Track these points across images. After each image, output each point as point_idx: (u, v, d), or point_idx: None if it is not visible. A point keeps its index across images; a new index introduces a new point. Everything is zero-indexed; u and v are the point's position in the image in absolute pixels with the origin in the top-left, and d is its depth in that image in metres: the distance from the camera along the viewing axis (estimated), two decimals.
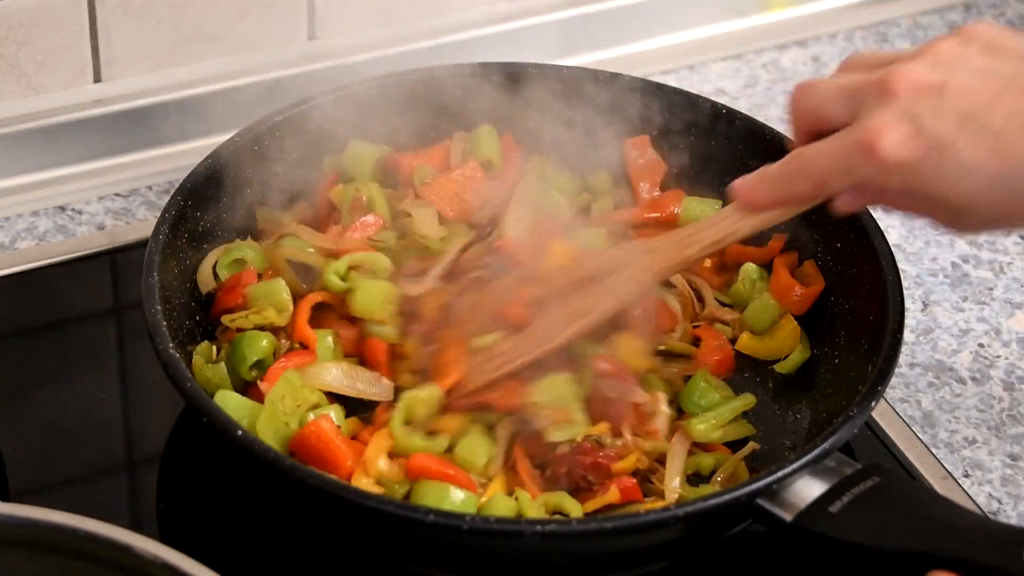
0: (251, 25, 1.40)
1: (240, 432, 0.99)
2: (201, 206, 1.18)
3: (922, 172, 0.95)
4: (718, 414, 1.11)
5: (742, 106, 1.51)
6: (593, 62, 1.51)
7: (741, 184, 1.06)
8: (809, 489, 0.98)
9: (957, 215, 0.98)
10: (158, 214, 1.33)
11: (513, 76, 1.29)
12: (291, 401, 1.07)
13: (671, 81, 1.53)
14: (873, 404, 1.03)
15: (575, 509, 1.04)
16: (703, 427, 1.10)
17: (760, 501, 0.98)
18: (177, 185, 1.17)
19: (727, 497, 0.97)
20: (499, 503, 1.03)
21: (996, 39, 0.97)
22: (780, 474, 0.98)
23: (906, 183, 0.96)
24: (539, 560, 1.01)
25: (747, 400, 1.13)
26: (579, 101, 1.28)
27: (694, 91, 1.31)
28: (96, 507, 1.06)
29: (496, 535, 0.96)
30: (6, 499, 1.09)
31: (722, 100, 1.50)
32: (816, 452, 0.99)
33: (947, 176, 0.95)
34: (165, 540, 0.88)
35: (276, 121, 1.24)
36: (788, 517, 0.97)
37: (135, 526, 1.02)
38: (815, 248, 1.21)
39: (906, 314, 1.10)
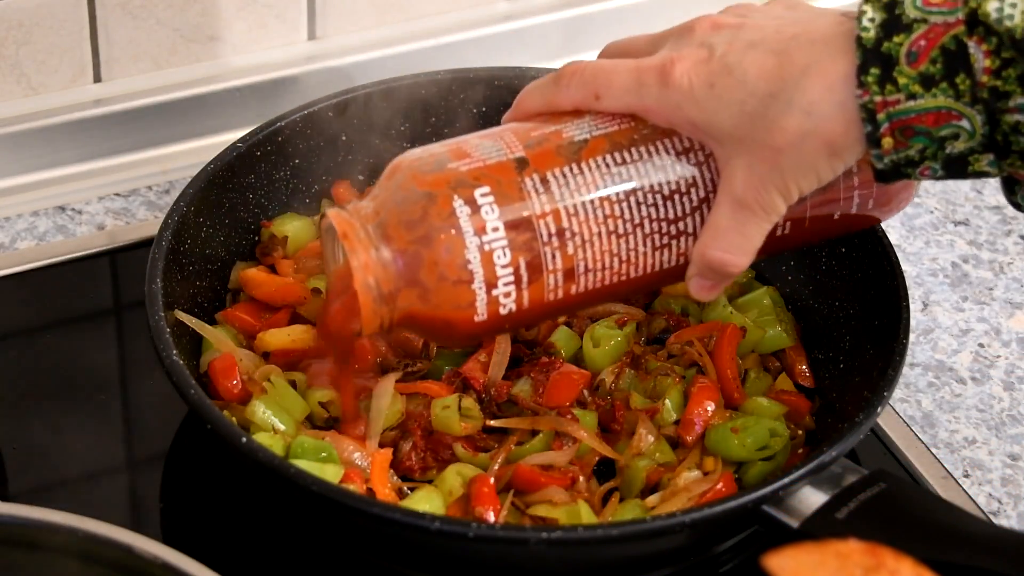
0: (251, 25, 1.40)
1: (244, 439, 0.99)
2: (205, 210, 1.18)
3: (705, 101, 0.95)
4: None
5: None
6: None
7: (518, 97, 1.04)
8: (815, 496, 0.98)
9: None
10: (158, 214, 1.34)
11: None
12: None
13: None
14: (879, 410, 1.03)
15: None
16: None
17: (766, 508, 0.98)
18: (179, 186, 1.17)
19: (733, 504, 0.97)
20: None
21: (795, 2, 1.00)
22: (786, 480, 0.98)
23: (685, 112, 0.96)
24: (545, 567, 1.01)
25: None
26: None
27: None
28: (96, 507, 1.06)
29: (501, 542, 0.96)
30: (6, 499, 1.09)
31: None
32: (822, 459, 0.99)
33: (723, 103, 0.95)
34: (166, 540, 0.88)
35: (280, 125, 1.24)
36: (794, 524, 0.97)
37: (136, 526, 1.02)
38: (820, 253, 1.20)
39: None
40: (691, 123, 0.97)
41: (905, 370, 1.24)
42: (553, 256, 0.97)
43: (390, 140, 1.29)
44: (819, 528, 0.96)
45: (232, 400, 1.10)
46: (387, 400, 1.10)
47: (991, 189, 1.44)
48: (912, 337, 1.26)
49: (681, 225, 0.99)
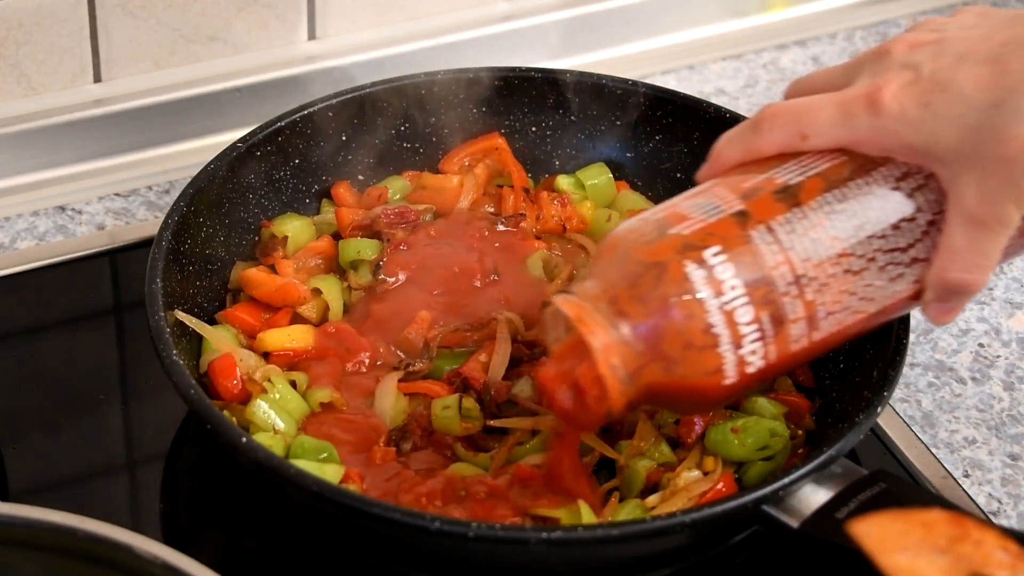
0: (251, 25, 1.40)
1: (244, 439, 0.99)
2: (205, 210, 1.18)
3: (921, 122, 0.94)
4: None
5: (742, 106, 1.51)
6: (593, 63, 1.52)
7: (712, 150, 1.02)
8: (815, 495, 0.98)
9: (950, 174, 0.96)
10: (158, 214, 1.34)
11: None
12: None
13: (671, 81, 1.53)
14: (879, 410, 1.03)
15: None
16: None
17: (766, 508, 0.98)
18: (179, 187, 1.17)
19: (733, 504, 0.97)
20: None
21: (986, 10, 0.98)
22: (786, 480, 0.98)
23: (901, 137, 0.95)
24: (545, 567, 1.01)
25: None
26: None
27: (694, 92, 1.31)
28: (96, 507, 1.06)
29: (501, 542, 0.96)
30: (6, 499, 1.09)
31: (722, 100, 1.50)
32: (822, 458, 0.99)
33: (943, 121, 0.93)
34: (167, 540, 0.88)
35: (280, 126, 1.24)
36: (794, 524, 0.97)
37: (136, 526, 1.02)
38: None
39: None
40: (908, 147, 0.95)
41: (905, 370, 1.24)
42: (793, 305, 0.95)
43: (390, 140, 1.29)
44: (819, 528, 0.96)
45: (232, 400, 1.10)
46: (391, 399, 1.10)
47: None
48: (912, 337, 1.26)
49: (912, 252, 0.97)
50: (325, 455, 1.04)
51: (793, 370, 1.16)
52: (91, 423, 1.16)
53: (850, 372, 1.13)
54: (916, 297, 0.99)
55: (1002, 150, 0.91)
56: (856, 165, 0.98)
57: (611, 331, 0.94)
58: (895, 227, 0.97)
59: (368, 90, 1.27)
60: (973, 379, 1.25)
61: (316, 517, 1.03)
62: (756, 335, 0.94)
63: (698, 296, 0.93)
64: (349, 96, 1.26)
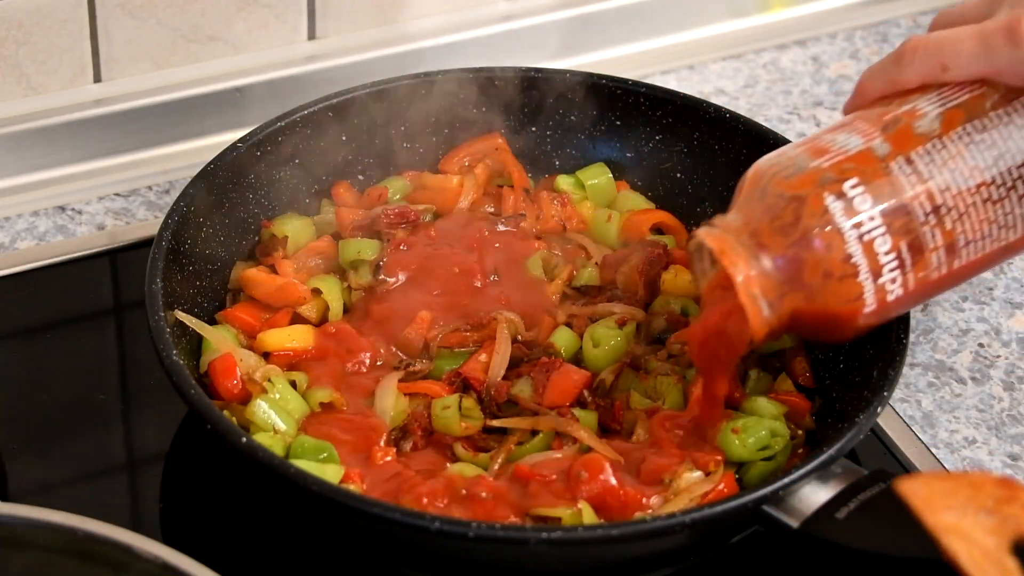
0: (251, 25, 1.40)
1: (244, 439, 0.99)
2: (205, 210, 1.18)
3: None
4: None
5: (742, 106, 1.51)
6: (593, 62, 1.51)
7: (857, 84, 1.05)
8: (815, 495, 0.98)
9: None
10: (158, 214, 1.34)
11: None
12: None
13: (671, 81, 1.53)
14: (879, 410, 1.03)
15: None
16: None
17: (766, 508, 0.98)
18: (179, 187, 1.17)
19: (733, 504, 0.97)
20: None
21: None
22: (786, 480, 0.98)
23: None
24: (545, 567, 1.01)
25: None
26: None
27: (694, 92, 1.31)
28: (96, 507, 1.06)
29: (501, 542, 0.96)
30: (6, 499, 1.09)
31: (722, 100, 1.50)
32: (822, 458, 0.99)
33: None
34: (166, 540, 0.88)
35: (280, 125, 1.24)
36: (794, 524, 0.97)
37: (136, 526, 1.02)
38: None
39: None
40: None
41: (905, 370, 1.24)
42: (933, 234, 0.98)
43: (390, 140, 1.29)
44: (819, 528, 0.96)
45: (232, 400, 1.10)
46: (391, 399, 1.10)
47: None
48: (912, 337, 1.26)
49: None
50: (325, 455, 1.04)
51: (793, 370, 1.16)
52: (91, 423, 1.16)
53: (850, 372, 1.13)
54: None
55: None
56: (997, 96, 1.00)
57: (752, 262, 0.99)
58: None
59: (368, 90, 1.27)
60: (973, 379, 1.25)
61: (316, 517, 1.03)
62: (895, 264, 0.98)
63: (837, 227, 0.97)
64: (349, 96, 1.26)
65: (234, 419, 1.06)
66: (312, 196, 1.28)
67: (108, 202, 1.37)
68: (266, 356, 1.14)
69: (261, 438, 1.04)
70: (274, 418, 1.07)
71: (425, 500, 1.02)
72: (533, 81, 1.30)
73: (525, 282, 1.21)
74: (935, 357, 1.27)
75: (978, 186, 0.99)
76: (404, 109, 1.28)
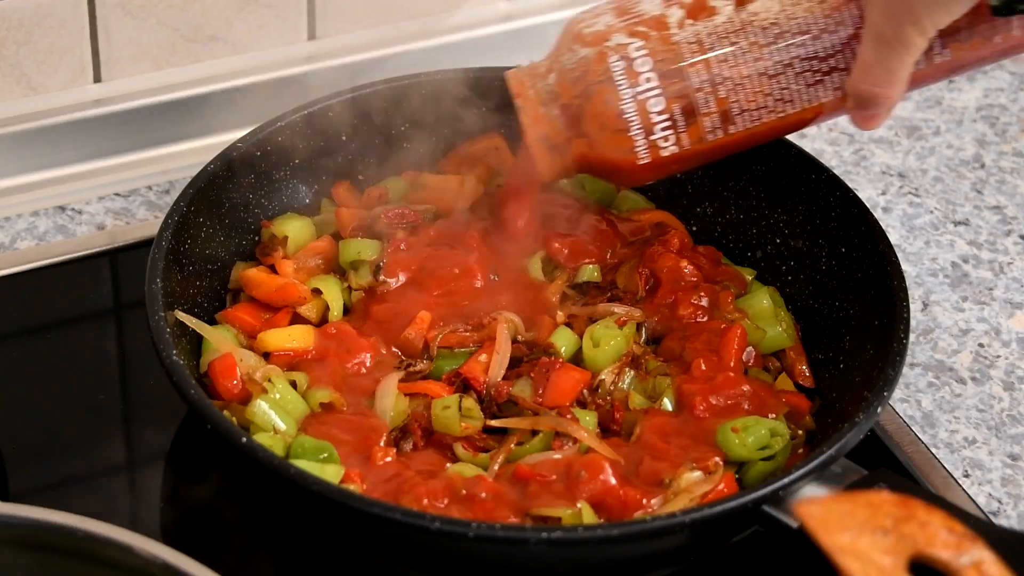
0: (251, 25, 1.40)
1: (244, 439, 1.00)
2: (205, 210, 1.18)
3: None
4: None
5: None
6: None
7: None
8: (815, 495, 0.98)
9: None
10: (158, 214, 1.34)
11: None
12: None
13: None
14: (879, 410, 1.03)
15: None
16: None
17: (766, 508, 0.98)
18: (179, 186, 1.17)
19: (733, 504, 0.97)
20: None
21: None
22: (786, 480, 0.98)
23: None
24: (545, 567, 1.01)
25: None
26: None
27: None
28: (96, 507, 1.06)
29: (501, 542, 0.96)
30: (6, 499, 1.09)
31: None
32: (822, 458, 0.99)
33: None
34: (166, 540, 0.88)
35: (280, 125, 1.24)
36: (794, 524, 0.97)
37: (136, 526, 1.01)
38: (820, 253, 1.20)
39: None
40: None
41: (905, 370, 1.24)
42: (707, 101, 1.06)
43: (390, 140, 1.29)
44: None
45: (232, 400, 1.10)
46: (391, 399, 1.10)
47: (991, 189, 1.44)
48: (912, 337, 1.26)
49: (832, 62, 1.07)
50: (325, 455, 1.04)
51: (793, 370, 1.16)
52: (91, 423, 1.16)
53: (850, 372, 1.13)
54: (841, 103, 1.08)
55: None
56: None
57: (540, 108, 1.10)
58: (815, 37, 1.06)
59: (368, 90, 1.27)
60: (973, 379, 1.25)
61: (316, 517, 1.03)
62: (667, 124, 1.07)
63: (615, 84, 1.07)
64: (349, 96, 1.26)
65: (234, 419, 1.06)
66: (312, 196, 1.28)
67: (108, 202, 1.37)
68: (266, 356, 1.14)
69: (261, 438, 1.04)
70: (274, 418, 1.07)
71: (425, 500, 1.02)
72: None
73: (525, 282, 1.21)
74: (935, 357, 1.27)
75: (755, 60, 1.06)
76: (404, 109, 1.28)
